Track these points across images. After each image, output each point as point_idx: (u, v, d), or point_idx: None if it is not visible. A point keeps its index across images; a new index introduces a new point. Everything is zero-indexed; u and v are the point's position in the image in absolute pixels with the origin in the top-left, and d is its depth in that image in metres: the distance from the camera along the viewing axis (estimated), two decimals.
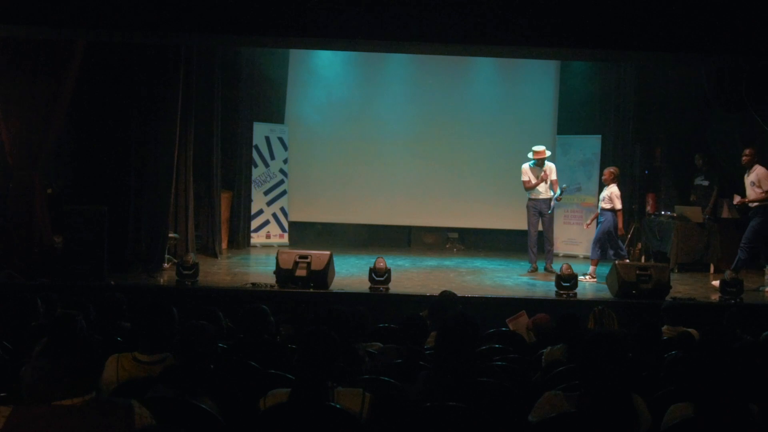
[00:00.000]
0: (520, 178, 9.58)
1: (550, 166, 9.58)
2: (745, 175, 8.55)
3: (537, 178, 9.46)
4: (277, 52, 11.26)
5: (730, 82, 9.51)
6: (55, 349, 2.42)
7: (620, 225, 9.03)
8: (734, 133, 9.90)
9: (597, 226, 9.23)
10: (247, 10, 6.61)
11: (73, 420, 2.34)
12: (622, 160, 11.20)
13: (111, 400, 2.47)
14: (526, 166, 9.57)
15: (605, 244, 9.04)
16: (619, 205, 8.97)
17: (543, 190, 9.49)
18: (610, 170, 9.16)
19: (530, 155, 9.56)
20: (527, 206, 9.65)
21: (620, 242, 9.20)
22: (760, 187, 8.36)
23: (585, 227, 10.08)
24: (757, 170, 8.41)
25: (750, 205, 8.52)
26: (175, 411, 3.00)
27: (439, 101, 11.81)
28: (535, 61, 11.28)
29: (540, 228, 9.65)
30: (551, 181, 9.52)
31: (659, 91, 11.02)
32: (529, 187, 9.51)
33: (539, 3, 6.71)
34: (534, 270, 9.50)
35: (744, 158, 8.56)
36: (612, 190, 8.98)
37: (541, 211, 9.53)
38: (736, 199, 8.82)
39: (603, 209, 9.06)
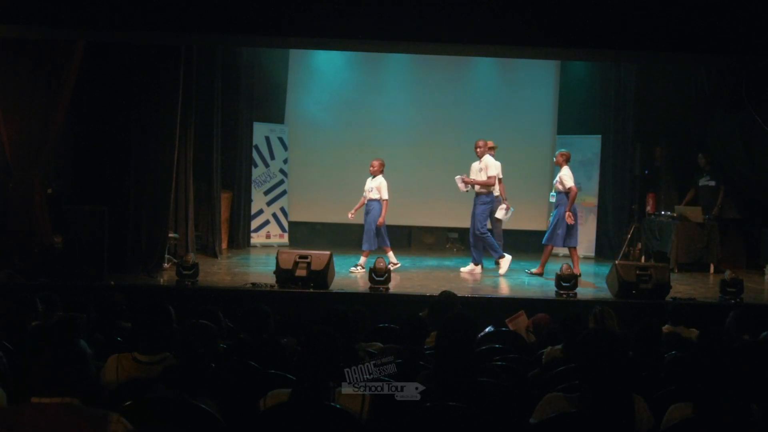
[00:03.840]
0: (499, 175, 9.37)
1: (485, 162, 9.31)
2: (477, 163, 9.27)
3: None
4: (277, 52, 11.26)
5: (730, 82, 9.52)
6: (43, 347, 2.42)
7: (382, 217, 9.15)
8: (734, 133, 9.89)
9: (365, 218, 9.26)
10: (248, 10, 6.61)
11: (43, 418, 2.33)
12: (622, 160, 11.20)
13: (88, 407, 2.43)
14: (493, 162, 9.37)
15: (372, 235, 9.16)
16: (386, 196, 9.16)
17: (495, 190, 9.39)
18: (375, 162, 9.34)
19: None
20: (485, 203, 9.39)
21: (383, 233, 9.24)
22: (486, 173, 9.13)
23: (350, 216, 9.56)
24: (486, 160, 9.16)
25: (476, 190, 9.22)
26: (175, 411, 3.01)
27: (439, 101, 11.81)
28: (535, 61, 11.27)
29: (489, 226, 9.47)
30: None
31: (659, 91, 11.01)
32: (492, 185, 9.28)
33: (539, 3, 6.72)
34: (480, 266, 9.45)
35: (476, 150, 9.29)
36: (379, 182, 9.23)
37: (493, 209, 9.40)
38: (464, 178, 9.39)
39: (371, 199, 9.23)
